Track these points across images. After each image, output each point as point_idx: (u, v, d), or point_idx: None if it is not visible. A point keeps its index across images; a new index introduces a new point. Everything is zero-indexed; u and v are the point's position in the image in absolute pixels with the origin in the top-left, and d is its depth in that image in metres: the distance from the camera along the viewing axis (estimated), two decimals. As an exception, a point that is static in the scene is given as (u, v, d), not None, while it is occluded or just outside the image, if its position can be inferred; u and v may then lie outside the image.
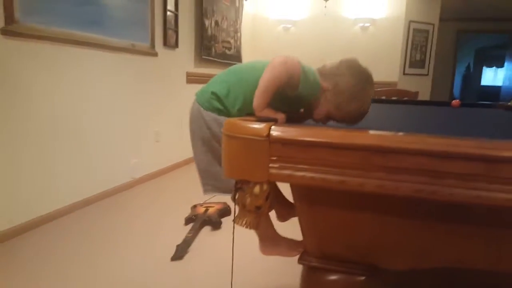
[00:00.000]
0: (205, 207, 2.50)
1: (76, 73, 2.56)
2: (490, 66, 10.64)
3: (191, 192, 3.02)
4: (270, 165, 0.77)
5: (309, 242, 1.02)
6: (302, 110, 1.18)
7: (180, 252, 1.98)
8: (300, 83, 0.99)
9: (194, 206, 2.55)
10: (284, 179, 0.78)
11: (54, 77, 2.38)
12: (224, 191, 1.24)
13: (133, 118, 3.18)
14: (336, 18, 5.43)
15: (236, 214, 0.84)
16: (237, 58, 5.22)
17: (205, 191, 1.29)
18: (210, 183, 1.26)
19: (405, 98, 3.39)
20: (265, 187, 0.79)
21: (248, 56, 5.65)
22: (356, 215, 0.90)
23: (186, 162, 4.00)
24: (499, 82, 8.94)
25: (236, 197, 0.83)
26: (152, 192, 3.11)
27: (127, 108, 3.09)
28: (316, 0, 4.98)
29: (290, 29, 5.71)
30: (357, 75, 1.05)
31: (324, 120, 1.11)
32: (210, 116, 1.15)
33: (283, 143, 0.77)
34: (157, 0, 3.34)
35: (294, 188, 0.93)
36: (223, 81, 1.16)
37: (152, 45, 3.33)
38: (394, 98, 3.35)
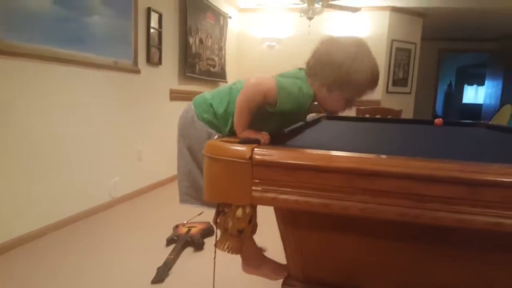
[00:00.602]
0: (187, 227, 2.45)
1: (57, 91, 2.50)
2: (471, 84, 10.98)
3: (173, 212, 2.96)
4: (253, 188, 0.76)
5: (293, 266, 1.00)
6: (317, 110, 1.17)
7: (160, 275, 1.91)
8: (279, 98, 0.96)
9: (176, 226, 2.49)
10: (267, 202, 0.76)
11: (34, 94, 2.33)
12: (202, 203, 1.21)
13: (115, 136, 3.12)
14: (320, 37, 5.51)
15: (217, 238, 0.81)
16: (222, 75, 5.23)
17: (182, 200, 1.25)
18: (189, 191, 1.23)
19: (389, 116, 3.44)
20: (247, 210, 0.77)
21: (233, 73, 5.68)
22: (341, 238, 0.89)
23: (168, 181, 3.94)
24: (480, 100, 9.21)
25: (218, 220, 0.80)
26: (133, 211, 3.03)
27: (108, 126, 3.03)
28: (300, 19, 5.06)
29: (275, 47, 5.77)
30: (340, 52, 1.02)
31: (344, 107, 1.08)
32: (201, 126, 1.14)
33: (266, 166, 0.75)
34: (140, 18, 3.33)
35: (278, 211, 0.91)
36: (224, 97, 1.13)
37: (135, 62, 3.30)
38: (378, 116, 3.40)
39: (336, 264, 0.95)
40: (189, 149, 1.17)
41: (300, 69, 1.13)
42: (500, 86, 6.76)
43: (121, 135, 3.20)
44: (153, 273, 1.94)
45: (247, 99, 0.97)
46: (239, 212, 0.77)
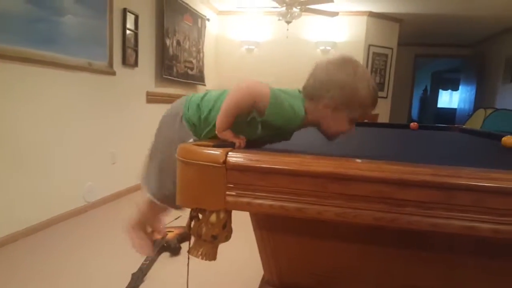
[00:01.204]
0: (163, 232, 2.39)
1: (27, 93, 2.41)
2: (445, 89, 11.30)
3: (149, 216, 2.90)
4: (227, 192, 0.74)
5: (269, 271, 0.99)
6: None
7: (135, 282, 1.86)
8: (269, 108, 0.94)
9: (152, 232, 2.43)
10: (241, 207, 0.74)
11: (1, 96, 2.23)
12: (157, 196, 1.25)
13: (89, 139, 3.03)
14: (298, 41, 5.57)
15: (191, 245, 0.79)
16: (200, 78, 5.19)
17: (142, 184, 1.30)
18: (151, 182, 1.25)
19: (366, 120, 3.48)
20: (221, 215, 0.75)
21: (211, 76, 5.64)
22: (316, 243, 0.88)
23: (145, 184, 3.86)
24: (454, 105, 9.48)
25: (191, 226, 0.78)
26: (107, 216, 2.95)
27: (82, 129, 2.95)
28: (278, 22, 5.09)
29: (253, 51, 5.78)
30: (340, 71, 0.99)
31: (349, 127, 1.04)
32: (183, 127, 1.11)
33: (241, 170, 0.74)
34: (116, 19, 3.26)
35: (253, 216, 0.89)
36: (211, 101, 1.09)
37: (110, 64, 3.22)
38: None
39: (311, 269, 0.94)
40: (167, 142, 1.15)
41: (300, 91, 1.09)
42: (473, 91, 6.99)
43: (95, 138, 3.11)
44: (127, 280, 1.88)
45: (237, 98, 0.95)
46: (213, 217, 0.75)
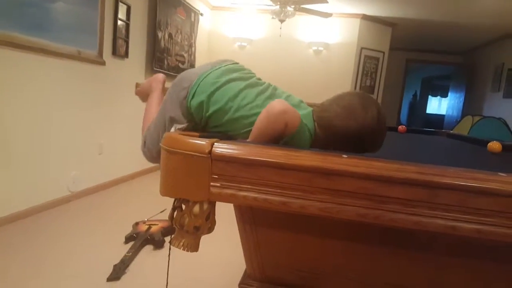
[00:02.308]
0: (148, 224, 2.37)
1: (14, 78, 2.36)
2: (435, 95, 11.44)
3: (134, 209, 2.86)
4: (211, 183, 0.73)
5: (251, 265, 0.98)
6: None
7: (117, 272, 1.84)
8: (294, 135, 0.94)
9: (136, 224, 2.41)
10: (225, 198, 0.73)
11: (-15, 79, 2.18)
12: (148, 156, 1.29)
13: (75, 128, 2.98)
14: (290, 40, 5.57)
15: (173, 235, 0.77)
16: (191, 72, 5.15)
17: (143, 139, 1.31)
18: (148, 138, 1.27)
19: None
20: (205, 206, 0.74)
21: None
22: (300, 238, 0.88)
23: (131, 177, 3.81)
24: (443, 111, 9.60)
25: (174, 216, 0.77)
26: (92, 207, 2.90)
27: (68, 117, 2.89)
28: (272, 21, 5.08)
29: (246, 47, 5.76)
30: (351, 118, 0.99)
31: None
32: (184, 103, 1.08)
33: (226, 161, 0.72)
34: (107, 8, 3.21)
35: (237, 209, 0.89)
36: (226, 101, 1.04)
37: (100, 54, 3.18)
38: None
39: (294, 265, 0.93)
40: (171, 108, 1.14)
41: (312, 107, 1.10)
42: (462, 99, 7.08)
43: (82, 127, 3.07)
44: (109, 270, 1.86)
45: (273, 128, 0.91)
46: (196, 208, 0.74)
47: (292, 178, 0.71)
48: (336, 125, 1.00)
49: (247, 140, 0.95)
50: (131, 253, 2.01)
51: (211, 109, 1.04)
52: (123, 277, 1.85)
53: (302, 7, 4.49)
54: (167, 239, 2.30)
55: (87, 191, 3.15)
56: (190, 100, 1.06)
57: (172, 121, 1.10)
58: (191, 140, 0.73)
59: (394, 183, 0.69)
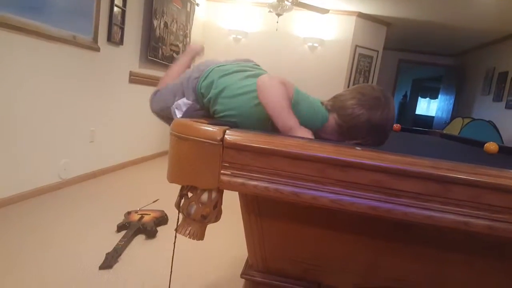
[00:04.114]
0: (140, 214, 2.34)
1: (5, 60, 2.29)
2: (424, 96, 11.57)
3: (126, 198, 2.83)
4: (222, 171, 0.71)
5: (254, 256, 0.97)
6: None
7: (109, 261, 1.81)
8: (298, 98, 1.00)
9: (128, 213, 2.38)
10: (236, 187, 0.71)
11: (-24, 59, 2.11)
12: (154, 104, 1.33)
13: (67, 114, 2.92)
14: (286, 35, 5.55)
15: (179, 223, 0.76)
16: (186, 63, 5.09)
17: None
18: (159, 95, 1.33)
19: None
20: (214, 195, 0.73)
21: (197, 62, 5.54)
22: (305, 229, 0.87)
23: (122, 166, 3.76)
24: (431, 113, 9.71)
25: (181, 204, 0.75)
26: (82, 195, 2.86)
27: (60, 103, 2.83)
28: (268, 14, 5.05)
29: (241, 40, 5.72)
30: (371, 109, 1.02)
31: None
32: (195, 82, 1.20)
33: (238, 149, 0.71)
34: (104, -8, 3.15)
35: (243, 199, 0.87)
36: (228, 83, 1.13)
37: (95, 40, 3.11)
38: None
39: (298, 256, 0.93)
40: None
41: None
42: (452, 101, 7.17)
43: (74, 114, 3.00)
44: (101, 259, 1.83)
45: (280, 92, 0.98)
46: (204, 196, 0.72)
47: (304, 169, 0.69)
48: (360, 114, 1.02)
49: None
50: (123, 242, 1.99)
51: (218, 89, 1.12)
52: (116, 266, 1.83)
53: (300, 2, 4.47)
54: (160, 229, 2.27)
55: (78, 178, 3.10)
56: (202, 81, 1.17)
57: (181, 95, 1.22)
58: (202, 127, 0.71)
59: (408, 177, 0.68)
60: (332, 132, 1.07)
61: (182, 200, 0.75)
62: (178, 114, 1.19)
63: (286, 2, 4.43)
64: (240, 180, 0.71)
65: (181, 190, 0.75)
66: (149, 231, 2.17)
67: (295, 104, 1.01)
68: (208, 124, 0.75)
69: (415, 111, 11.30)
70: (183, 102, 1.20)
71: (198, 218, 0.73)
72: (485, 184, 0.66)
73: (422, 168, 0.68)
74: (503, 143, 4.85)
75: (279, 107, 0.96)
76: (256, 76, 1.11)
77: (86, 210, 2.52)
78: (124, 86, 3.68)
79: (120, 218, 2.33)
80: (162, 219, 2.35)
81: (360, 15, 5.49)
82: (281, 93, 0.97)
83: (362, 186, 0.69)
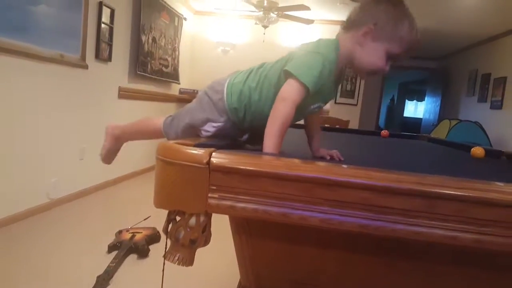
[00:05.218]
0: (131, 232, 2.31)
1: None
2: (412, 99, 11.72)
3: (117, 216, 2.80)
4: (209, 195, 0.71)
5: (246, 276, 0.96)
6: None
7: (101, 284, 1.78)
8: (311, 90, 0.92)
9: (120, 232, 2.35)
10: (224, 210, 0.71)
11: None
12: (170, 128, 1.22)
13: (56, 132, 2.90)
14: (273, 46, 5.59)
15: (167, 249, 0.75)
16: (174, 76, 5.10)
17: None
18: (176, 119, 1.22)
19: (337, 126, 3.54)
20: (202, 218, 0.72)
21: (186, 75, 5.56)
22: (296, 249, 0.86)
23: (114, 182, 3.73)
24: (419, 115, 9.83)
25: (169, 229, 0.74)
26: (73, 214, 2.82)
27: (49, 122, 2.81)
28: (255, 26, 5.09)
29: (229, 52, 5.75)
30: (386, 2, 0.96)
31: (386, 64, 0.99)
32: (219, 103, 1.10)
33: (225, 172, 0.70)
34: (91, 11, 3.15)
35: (233, 220, 0.87)
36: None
37: (83, 57, 3.10)
38: (327, 125, 3.48)
39: (290, 275, 0.92)
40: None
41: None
42: (438, 103, 7.27)
43: (63, 132, 2.98)
44: (93, 282, 1.80)
45: (283, 120, 0.92)
46: (192, 220, 0.71)
47: (293, 189, 0.69)
48: (365, 10, 0.98)
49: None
50: (114, 263, 1.96)
51: (251, 91, 1.06)
52: (107, 288, 1.80)
53: (285, 14, 4.52)
54: (152, 247, 2.25)
55: (68, 197, 3.06)
56: (230, 98, 1.08)
57: (206, 121, 1.11)
58: (188, 150, 0.71)
59: (394, 194, 0.68)
60: (352, 51, 0.99)
61: (170, 225, 0.74)
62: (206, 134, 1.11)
63: (271, 14, 4.48)
64: (228, 203, 0.71)
65: (169, 214, 0.74)
66: (141, 250, 2.14)
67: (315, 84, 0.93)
68: (194, 146, 0.75)
69: (403, 114, 11.44)
70: (211, 126, 1.11)
71: (187, 243, 0.72)
72: (470, 198, 0.67)
73: (407, 184, 0.68)
74: (490, 143, 4.92)
75: (280, 130, 0.92)
76: (262, 66, 1.12)
77: (76, 231, 2.49)
78: (114, 102, 3.66)
79: (112, 238, 2.30)
80: (154, 237, 2.32)
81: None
82: (290, 117, 0.93)
83: (350, 204, 0.70)
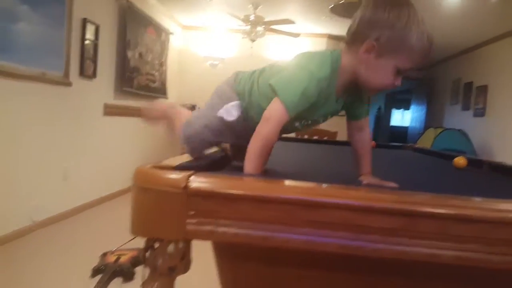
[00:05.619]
0: (116, 255, 2.25)
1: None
2: (398, 108, 11.88)
3: (101, 238, 2.73)
4: (188, 220, 0.69)
5: (230, 300, 0.94)
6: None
7: (85, 309, 1.73)
8: (286, 106, 0.87)
9: (104, 254, 2.29)
10: (203, 236, 0.69)
11: None
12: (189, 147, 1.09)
13: (38, 152, 2.84)
14: (261, 59, 5.62)
15: (145, 278, 0.72)
16: (162, 91, 5.09)
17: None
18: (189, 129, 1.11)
19: (325, 138, 3.55)
20: (180, 245, 0.70)
21: (174, 89, 5.55)
22: (280, 271, 0.85)
23: (99, 201, 3.66)
24: (406, 123, 9.98)
25: (146, 257, 0.72)
26: (56, 237, 2.75)
27: (32, 142, 2.76)
28: (243, 40, 5.13)
29: (218, 66, 5.77)
30: (392, 11, 0.84)
31: (394, 79, 0.91)
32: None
33: (203, 196, 0.69)
34: (75, 28, 3.13)
35: (214, 244, 0.85)
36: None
37: (66, 75, 3.07)
38: (315, 137, 3.49)
39: (275, 298, 0.90)
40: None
41: (333, 50, 0.96)
42: (424, 111, 7.39)
43: (46, 152, 2.93)
44: (76, 308, 1.75)
45: (264, 142, 0.89)
46: (170, 247, 0.70)
47: (274, 211, 0.68)
48: (365, 24, 0.87)
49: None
50: (99, 287, 1.90)
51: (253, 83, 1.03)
52: (92, 313, 1.75)
53: (272, 28, 4.57)
54: (138, 270, 2.19)
55: (51, 219, 2.99)
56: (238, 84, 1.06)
57: (227, 100, 1.06)
58: (164, 175, 0.70)
59: (374, 213, 0.68)
60: (356, 67, 0.91)
61: (148, 253, 0.72)
62: (231, 118, 1.04)
63: (258, 28, 4.52)
64: (208, 228, 0.69)
65: (146, 242, 0.72)
66: (126, 273, 2.09)
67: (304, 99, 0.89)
68: (173, 169, 0.74)
69: (390, 123, 11.58)
70: (232, 105, 1.04)
71: (165, 272, 0.70)
72: (449, 216, 0.67)
73: (387, 203, 0.68)
74: (474, 150, 4.99)
75: (261, 150, 0.90)
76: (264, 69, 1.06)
77: (59, 255, 2.42)
78: (99, 119, 3.63)
79: (96, 261, 2.24)
80: (140, 259, 2.27)
81: (330, 37, 5.64)
82: (272, 138, 0.90)
83: (331, 225, 0.69)
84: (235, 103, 1.04)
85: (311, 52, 0.98)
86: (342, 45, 0.97)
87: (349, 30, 0.91)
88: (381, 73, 0.89)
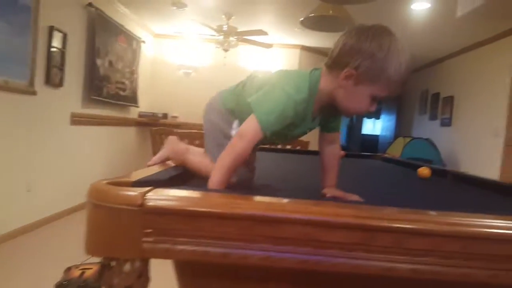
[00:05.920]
0: (81, 269, 2.17)
1: None
2: (369, 117, 12.19)
3: (66, 252, 2.63)
4: (144, 239, 0.67)
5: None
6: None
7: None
8: (263, 128, 0.88)
9: (68, 269, 2.20)
10: (160, 254, 0.68)
11: None
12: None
13: (1, 164, 2.72)
14: (235, 68, 5.65)
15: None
16: (133, 99, 5.00)
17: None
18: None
19: (298, 147, 3.58)
20: (137, 264, 0.68)
21: (146, 98, 5.47)
22: (241, 287, 0.84)
23: (66, 213, 3.53)
24: (377, 131, 10.26)
25: (103, 276, 0.69)
26: (18, 251, 2.62)
27: (-8, 152, 2.64)
28: (216, 49, 5.13)
29: (191, 75, 5.74)
30: (373, 40, 0.86)
31: (369, 105, 0.93)
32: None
33: (160, 213, 0.68)
34: (41, 36, 3.05)
35: (175, 261, 0.83)
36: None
37: (31, 83, 2.97)
38: (288, 146, 3.51)
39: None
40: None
41: (313, 70, 1.00)
42: (393, 121, 7.61)
43: (8, 163, 2.81)
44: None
45: (236, 156, 0.89)
46: (127, 266, 0.68)
47: (233, 228, 0.68)
48: (346, 51, 0.89)
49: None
50: (63, 303, 1.83)
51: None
52: (53, 333, 1.67)
53: (244, 38, 4.59)
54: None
55: (14, 233, 2.86)
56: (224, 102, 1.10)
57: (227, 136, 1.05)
58: (119, 192, 0.68)
59: (332, 228, 0.68)
60: (334, 92, 0.93)
61: (104, 272, 0.70)
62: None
63: (231, 39, 4.53)
64: (165, 246, 0.68)
65: (102, 261, 0.70)
66: (92, 288, 2.02)
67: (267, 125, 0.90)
68: (132, 185, 0.72)
69: (361, 131, 11.86)
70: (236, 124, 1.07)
71: (121, 291, 0.68)
72: (405, 230, 0.68)
73: (344, 218, 0.69)
74: (441, 159, 5.16)
75: (229, 165, 0.90)
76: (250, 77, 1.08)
77: (22, 270, 2.31)
78: (65, 129, 3.52)
79: (59, 276, 2.15)
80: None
81: (304, 48, 5.73)
82: (244, 154, 0.91)
83: (290, 240, 0.69)
84: (235, 123, 1.06)
85: (291, 72, 1.01)
86: (318, 60, 1.03)
87: (330, 54, 0.94)
88: (357, 99, 0.92)
